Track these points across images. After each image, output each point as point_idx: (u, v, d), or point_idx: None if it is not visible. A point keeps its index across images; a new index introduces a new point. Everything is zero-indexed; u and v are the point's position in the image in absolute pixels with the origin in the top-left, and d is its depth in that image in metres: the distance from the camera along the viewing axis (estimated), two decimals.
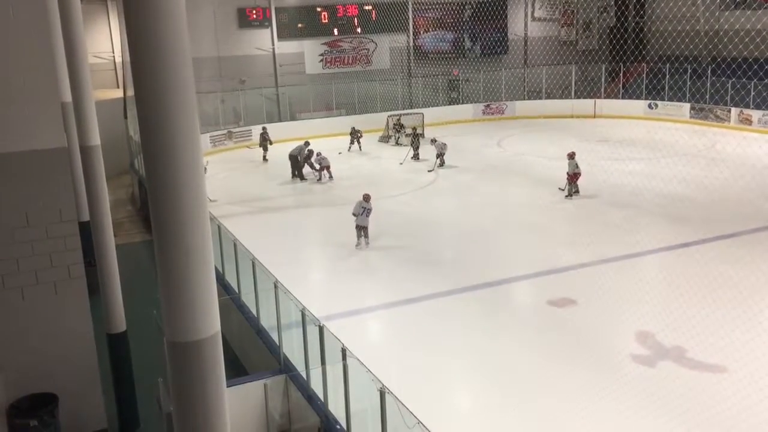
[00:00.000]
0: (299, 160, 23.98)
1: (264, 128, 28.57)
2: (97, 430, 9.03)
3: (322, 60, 35.99)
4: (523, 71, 38.62)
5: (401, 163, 25.93)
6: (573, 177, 19.94)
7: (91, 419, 8.86)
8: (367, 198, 16.47)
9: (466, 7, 37.93)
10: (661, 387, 9.70)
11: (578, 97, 35.91)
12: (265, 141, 27.84)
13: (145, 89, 4.28)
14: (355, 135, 28.93)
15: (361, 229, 16.42)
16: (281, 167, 25.32)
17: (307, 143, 24.42)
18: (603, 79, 35.80)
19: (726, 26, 31.54)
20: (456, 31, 38.60)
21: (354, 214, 16.39)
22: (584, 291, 13.20)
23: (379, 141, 30.97)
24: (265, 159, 27.66)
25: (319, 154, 23.69)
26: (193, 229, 4.50)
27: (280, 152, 27.04)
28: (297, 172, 24.02)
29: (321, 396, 8.66)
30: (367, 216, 16.38)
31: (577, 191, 20.06)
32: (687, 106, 32.33)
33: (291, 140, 27.61)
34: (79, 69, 9.34)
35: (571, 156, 20.11)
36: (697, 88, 32.21)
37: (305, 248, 17.03)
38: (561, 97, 36.54)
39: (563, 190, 20.11)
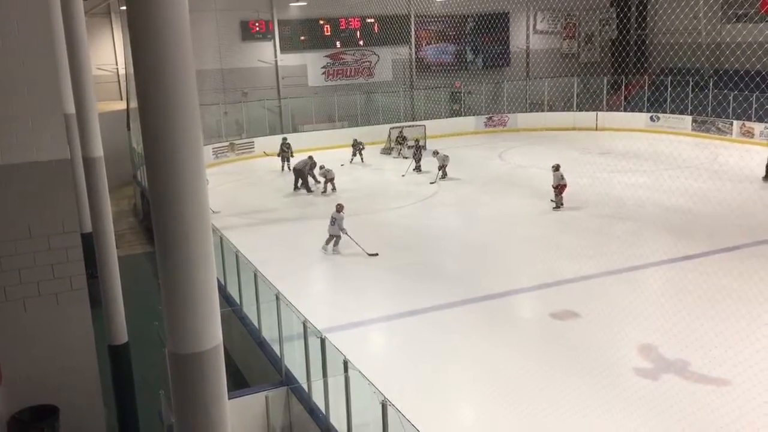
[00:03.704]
0: (305, 173, 24.02)
1: (284, 138, 28.47)
2: None
3: (324, 72, 36.10)
4: (525, 84, 38.70)
5: (403, 175, 25.95)
6: (559, 189, 19.99)
7: (92, 431, 8.82)
8: (338, 208, 17.03)
9: (468, 19, 38.06)
10: (664, 400, 9.66)
11: (580, 110, 35.95)
12: (284, 152, 27.76)
13: (149, 101, 4.30)
14: (357, 147, 28.96)
15: (331, 238, 17.00)
16: (285, 180, 25.40)
17: (310, 157, 24.44)
18: (605, 92, 35.86)
19: (728, 39, 31.62)
20: (458, 44, 38.73)
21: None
22: (587, 303, 13.17)
23: (381, 153, 31.01)
24: (283, 169, 27.58)
25: (322, 167, 23.72)
26: (196, 240, 4.50)
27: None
28: (304, 185, 24.04)
29: (323, 408, 8.64)
30: (332, 224, 16.89)
31: (562, 203, 20.11)
32: (689, 118, 32.37)
33: (296, 152, 27.70)
34: (82, 81, 9.38)
35: (556, 168, 20.20)
36: (699, 101, 32.26)
37: (307, 260, 17.01)
38: (563, 110, 36.57)
39: (554, 201, 20.19)
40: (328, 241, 17.09)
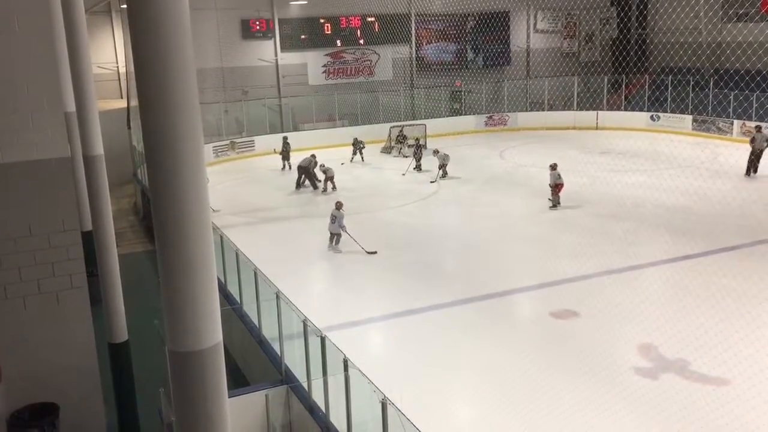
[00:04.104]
0: (311, 171, 24.06)
1: (285, 137, 28.49)
2: None
3: (324, 71, 36.08)
4: (525, 83, 38.69)
5: (403, 174, 25.96)
6: (556, 188, 20.04)
7: (91, 429, 8.82)
8: (337, 205, 17.18)
9: (468, 18, 38.04)
10: (663, 399, 9.66)
11: (580, 109, 35.93)
12: (285, 151, 27.81)
13: (149, 99, 4.30)
14: (357, 146, 28.95)
15: (333, 236, 17.09)
16: (285, 178, 25.38)
17: (313, 156, 24.46)
18: (605, 91, 35.84)
19: (728, 38, 31.60)
20: (459, 43, 38.71)
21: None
22: (586, 303, 13.17)
23: (381, 152, 31.00)
24: (284, 168, 27.62)
25: (322, 165, 23.73)
26: (196, 239, 4.50)
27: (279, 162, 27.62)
28: (311, 182, 24.10)
29: (322, 407, 8.64)
30: (332, 222, 16.96)
31: (559, 202, 20.15)
32: (689, 118, 32.35)
33: (294, 151, 27.71)
34: (83, 79, 9.38)
35: (553, 167, 20.27)
36: (700, 100, 32.24)
37: (307, 259, 17.02)
38: (563, 109, 36.56)
39: (551, 200, 20.23)
40: (331, 239, 17.11)
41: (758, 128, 24.43)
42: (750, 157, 23.28)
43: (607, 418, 9.09)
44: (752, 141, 23.50)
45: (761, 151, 23.27)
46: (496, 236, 18.18)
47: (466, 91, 37.56)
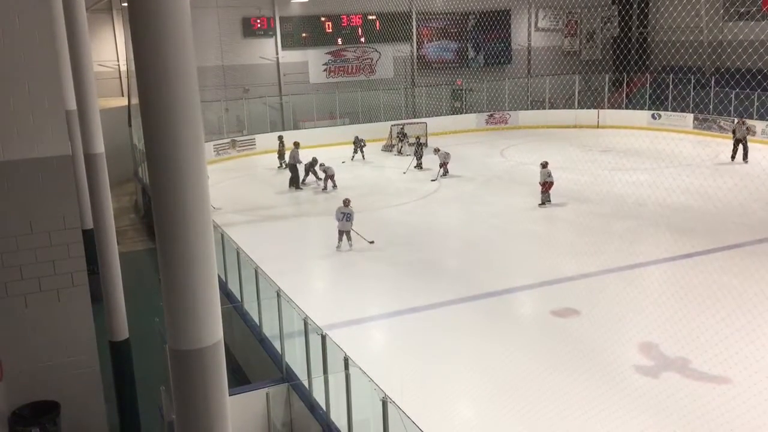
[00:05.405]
0: (297, 169, 23.98)
1: (280, 137, 28.54)
2: None
3: (325, 69, 36.10)
4: (526, 81, 38.67)
5: (404, 173, 25.95)
6: (545, 186, 20.05)
7: (92, 427, 8.83)
8: (345, 203, 16.99)
9: (469, 17, 38.03)
10: (664, 398, 9.66)
11: (581, 107, 35.91)
12: (280, 150, 27.88)
13: (150, 98, 4.30)
14: (358, 144, 28.95)
15: (342, 233, 16.91)
16: (285, 177, 25.39)
17: (297, 144, 24.33)
18: (606, 90, 35.82)
19: (729, 37, 31.58)
20: (460, 41, 38.70)
21: (337, 219, 16.93)
22: (587, 301, 13.18)
23: (382, 150, 31.00)
24: (281, 166, 27.68)
25: (322, 165, 23.71)
26: (197, 237, 4.50)
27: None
28: (294, 181, 24.01)
29: (323, 405, 8.64)
30: (347, 220, 16.83)
31: (549, 200, 20.18)
32: (690, 116, 32.33)
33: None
34: (84, 77, 9.37)
35: (544, 165, 20.35)
36: (701, 99, 32.21)
37: (308, 257, 17.03)
38: (564, 107, 36.55)
39: (541, 198, 20.26)
40: (348, 238, 16.97)
41: (741, 121, 26.36)
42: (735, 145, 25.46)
43: (608, 416, 9.09)
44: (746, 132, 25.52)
45: (743, 138, 25.09)
46: (497, 234, 18.18)
47: (467, 89, 37.55)
